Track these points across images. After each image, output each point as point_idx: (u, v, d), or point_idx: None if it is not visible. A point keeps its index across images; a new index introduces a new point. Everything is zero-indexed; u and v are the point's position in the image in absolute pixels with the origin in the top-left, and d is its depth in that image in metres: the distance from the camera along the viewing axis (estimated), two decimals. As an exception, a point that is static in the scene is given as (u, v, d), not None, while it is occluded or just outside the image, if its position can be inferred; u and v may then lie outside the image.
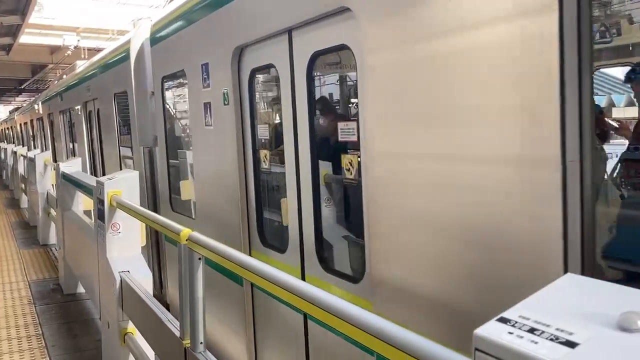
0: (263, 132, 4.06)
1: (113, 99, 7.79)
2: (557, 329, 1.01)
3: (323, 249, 3.37)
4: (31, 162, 10.97)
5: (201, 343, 2.84)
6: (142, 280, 4.13)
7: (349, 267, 3.36)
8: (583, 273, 1.73)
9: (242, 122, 4.09)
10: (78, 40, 23.79)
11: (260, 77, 4.24)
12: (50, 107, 15.13)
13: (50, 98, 15.03)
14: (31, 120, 20.47)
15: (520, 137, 1.88)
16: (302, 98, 3.35)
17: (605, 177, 3.16)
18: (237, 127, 4.09)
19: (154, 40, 5.88)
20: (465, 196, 2.11)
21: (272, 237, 4.03)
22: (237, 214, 4.15)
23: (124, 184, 4.55)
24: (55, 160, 11.93)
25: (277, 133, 3.92)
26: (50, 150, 14.79)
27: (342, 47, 2.99)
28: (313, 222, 3.36)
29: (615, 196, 3.01)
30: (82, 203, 6.75)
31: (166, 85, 5.81)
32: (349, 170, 3.05)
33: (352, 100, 4.17)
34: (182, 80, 5.53)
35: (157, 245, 6.40)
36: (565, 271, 1.75)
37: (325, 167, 3.37)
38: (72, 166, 7.03)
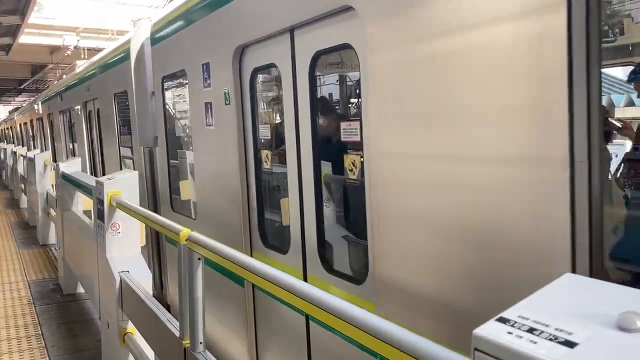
0: (264, 132, 4.04)
1: (113, 99, 7.78)
2: (556, 329, 1.01)
3: (325, 249, 3.35)
4: (31, 162, 10.96)
5: (201, 343, 2.84)
6: (142, 280, 4.13)
7: (352, 268, 3.34)
8: (591, 274, 1.72)
9: (244, 122, 4.08)
10: (78, 40, 23.79)
11: (261, 77, 4.22)
12: (50, 107, 15.12)
13: (50, 98, 15.02)
14: (31, 120, 20.46)
15: (530, 138, 1.85)
16: (305, 98, 3.33)
17: (609, 177, 3.14)
18: (238, 126, 4.07)
19: (154, 39, 5.87)
20: (473, 196, 2.08)
21: (273, 238, 4.02)
22: (238, 215, 4.13)
23: (124, 184, 4.55)
24: (55, 161, 11.92)
25: (278, 133, 3.90)
26: (50, 150, 14.78)
27: (345, 47, 2.96)
28: (315, 223, 3.34)
29: (620, 197, 2.99)
30: (82, 203, 6.76)
31: (166, 85, 5.80)
32: (351, 170, 3.02)
33: (352, 100, 4.16)
34: (182, 80, 5.51)
35: (157, 246, 6.39)
36: (574, 273, 1.73)
37: (325, 167, 3.35)
38: (72, 166, 7.03)
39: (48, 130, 15.92)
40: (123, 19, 20.81)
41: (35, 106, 17.94)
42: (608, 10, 3.21)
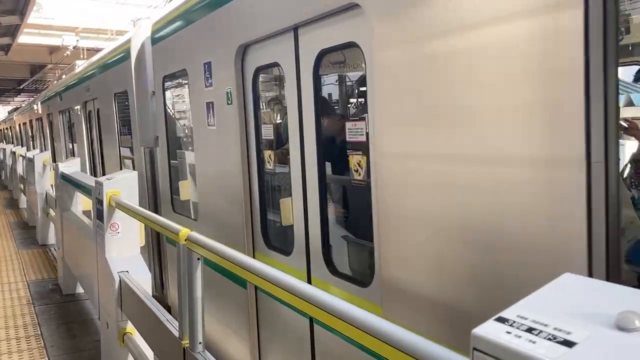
0: (267, 131, 4.00)
1: (113, 98, 7.75)
2: (555, 329, 1.00)
3: (330, 251, 3.31)
4: (30, 162, 10.94)
5: (200, 343, 2.83)
6: (141, 280, 4.12)
7: (358, 270, 3.29)
8: (608, 277, 1.69)
9: (246, 122, 4.04)
10: (77, 41, 23.81)
11: (264, 76, 4.19)
12: (49, 107, 15.09)
13: (50, 98, 14.99)
14: (30, 121, 20.43)
15: (544, 138, 1.81)
16: (309, 97, 3.29)
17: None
18: (240, 126, 4.04)
19: (155, 39, 5.84)
20: (489, 198, 2.03)
21: (276, 239, 3.98)
22: (240, 216, 4.10)
23: (123, 184, 4.54)
24: (54, 161, 11.90)
25: (281, 133, 3.86)
26: (50, 150, 14.75)
27: (351, 45, 2.91)
28: (320, 224, 3.29)
29: (627, 198, 2.95)
30: (81, 203, 6.75)
31: (167, 84, 5.77)
32: (357, 171, 2.97)
33: (351, 100, 4.13)
34: (183, 80, 5.48)
35: (158, 248, 6.37)
36: (590, 275, 1.70)
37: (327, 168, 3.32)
38: (71, 166, 7.01)
39: (47, 131, 15.90)
40: (122, 19, 20.83)
41: (35, 106, 17.92)
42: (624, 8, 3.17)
